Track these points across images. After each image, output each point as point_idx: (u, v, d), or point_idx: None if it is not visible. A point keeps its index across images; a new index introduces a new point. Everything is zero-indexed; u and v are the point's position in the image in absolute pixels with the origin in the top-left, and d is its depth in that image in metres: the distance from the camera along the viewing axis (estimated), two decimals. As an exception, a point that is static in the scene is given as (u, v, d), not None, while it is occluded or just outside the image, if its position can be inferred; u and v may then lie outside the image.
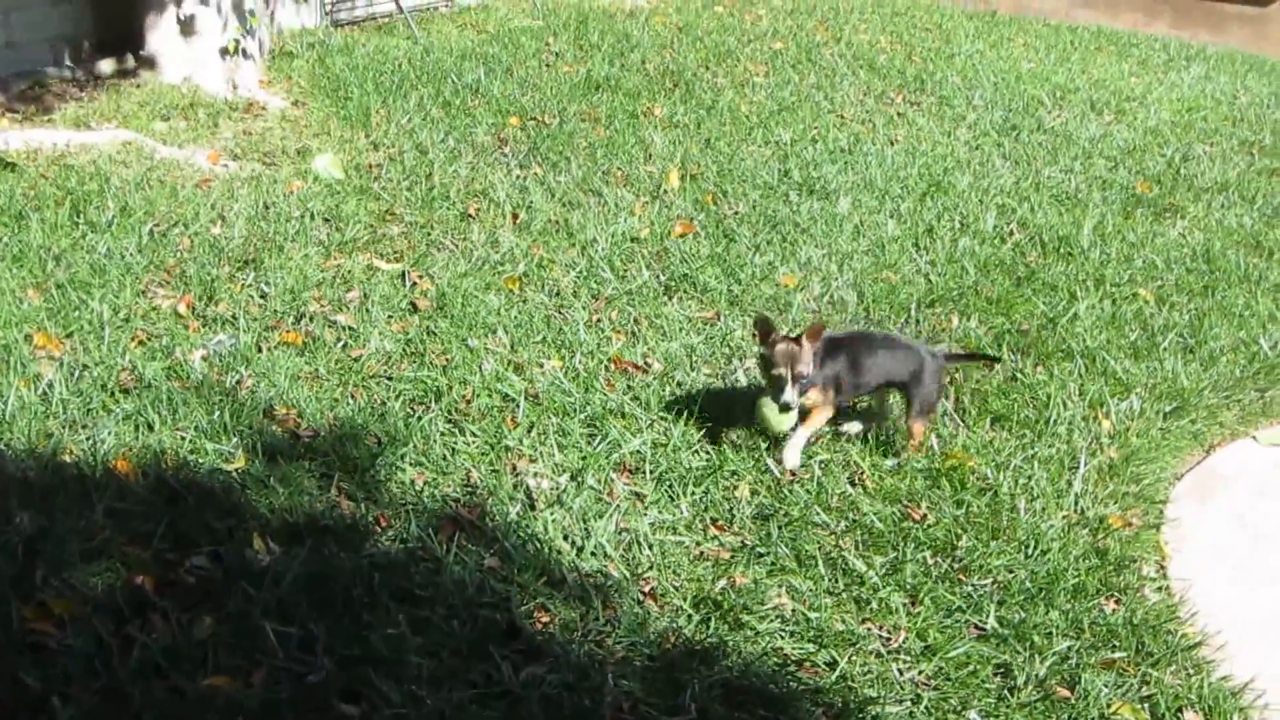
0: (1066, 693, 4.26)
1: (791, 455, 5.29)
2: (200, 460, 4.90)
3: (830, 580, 4.63)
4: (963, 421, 5.78)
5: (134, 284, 6.35)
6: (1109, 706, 4.21)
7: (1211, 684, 4.41)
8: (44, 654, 3.84)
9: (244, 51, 10.14)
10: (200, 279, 6.48)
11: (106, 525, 4.43)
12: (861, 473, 5.29)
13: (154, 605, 4.06)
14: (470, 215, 7.68)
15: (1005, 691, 4.23)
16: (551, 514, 4.78)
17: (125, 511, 4.52)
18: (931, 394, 5.48)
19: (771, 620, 4.38)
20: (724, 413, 5.54)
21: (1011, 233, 8.11)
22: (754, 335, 5.34)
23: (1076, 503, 5.30)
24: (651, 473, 5.11)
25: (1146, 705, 4.27)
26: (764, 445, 5.34)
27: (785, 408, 5.09)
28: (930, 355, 5.50)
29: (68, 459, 4.85)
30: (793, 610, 4.45)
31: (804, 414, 5.28)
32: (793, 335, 5.10)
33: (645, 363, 6.00)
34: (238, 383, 5.49)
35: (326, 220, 7.42)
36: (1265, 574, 5.21)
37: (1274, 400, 6.42)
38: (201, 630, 3.97)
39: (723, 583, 4.54)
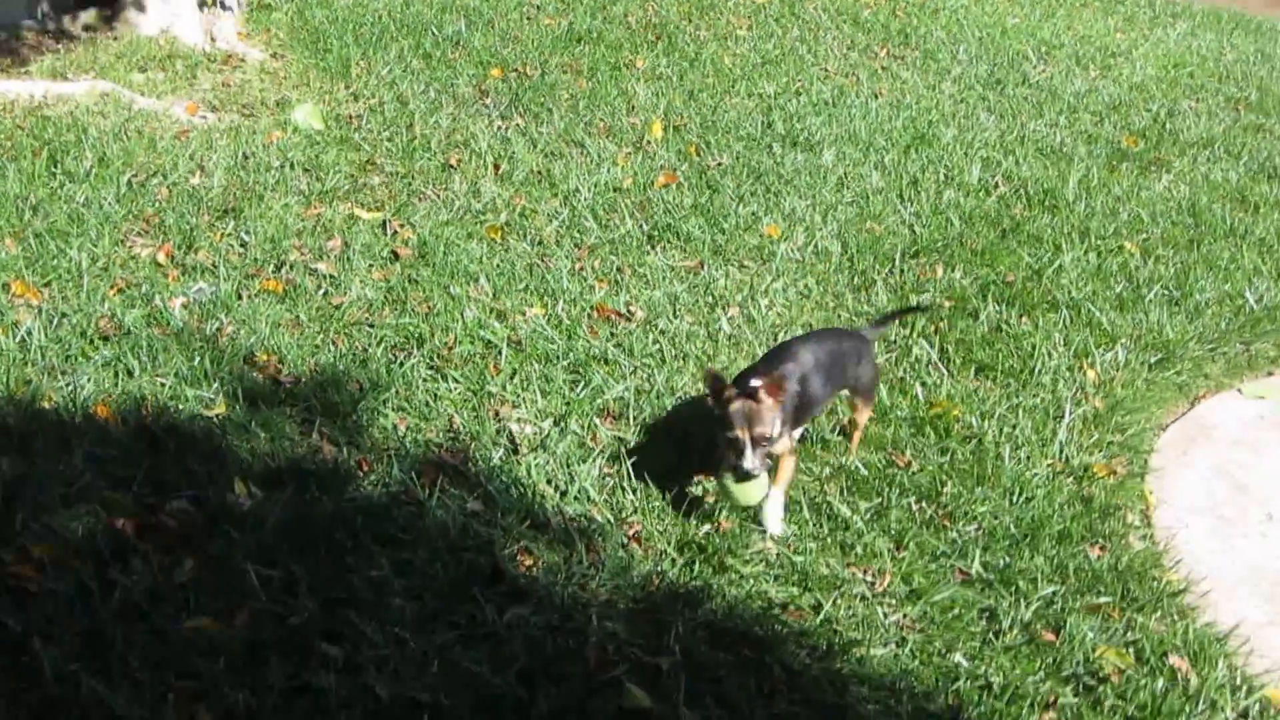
0: (1051, 636, 4.26)
1: (774, 523, 4.59)
2: (181, 406, 4.86)
3: (815, 525, 4.63)
4: (947, 370, 5.76)
5: (112, 233, 6.28)
6: (1094, 650, 4.22)
7: (1196, 630, 4.42)
8: (25, 597, 3.81)
9: (221, 3, 10.03)
10: (179, 228, 6.42)
11: (86, 470, 4.39)
12: (846, 420, 5.27)
13: (135, 549, 4.03)
14: (451, 165, 7.62)
15: (990, 635, 4.23)
16: (535, 459, 4.75)
17: (105, 456, 4.49)
18: (872, 380, 5.12)
19: (756, 564, 4.37)
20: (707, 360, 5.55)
21: (996, 185, 8.07)
22: (706, 390, 4.50)
23: (1061, 451, 5.30)
24: (635, 418, 5.08)
25: (1131, 649, 4.28)
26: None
27: (745, 476, 4.36)
28: (864, 341, 5.11)
29: (47, 405, 4.82)
30: (777, 554, 4.44)
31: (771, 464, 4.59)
32: (750, 390, 4.38)
33: (628, 311, 5.97)
34: (218, 330, 5.44)
35: (306, 170, 7.35)
36: (1247, 524, 5.22)
37: (1259, 353, 6.42)
38: (183, 573, 3.94)
39: (707, 527, 4.53)
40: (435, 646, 3.75)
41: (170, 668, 3.58)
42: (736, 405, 4.33)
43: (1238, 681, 4.23)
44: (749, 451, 4.31)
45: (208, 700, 3.50)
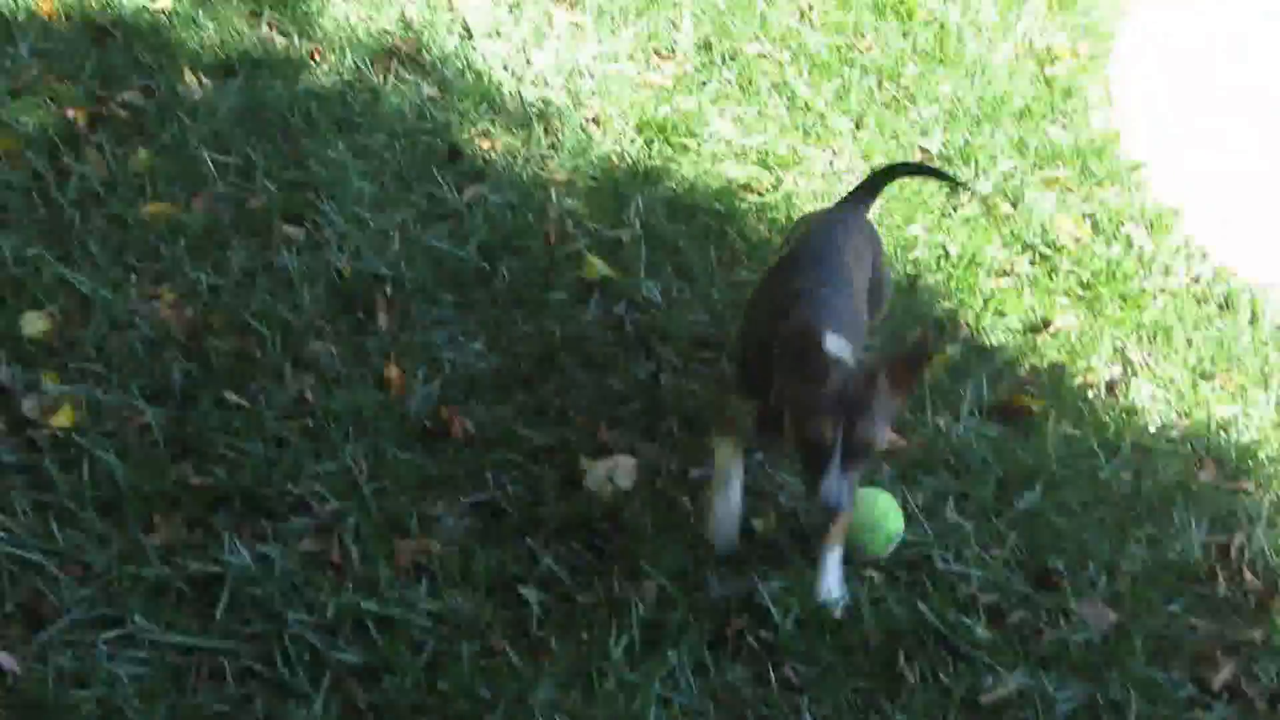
0: (1010, 208, 4.30)
1: (834, 585, 2.84)
2: (124, 1, 4.72)
3: (775, 108, 4.59)
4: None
5: None
6: (1051, 220, 4.27)
7: (1153, 203, 4.49)
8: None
9: None
10: None
11: (33, 64, 4.28)
12: (810, 7, 5.17)
13: (88, 139, 3.97)
14: None
15: (949, 210, 4.27)
16: (490, 44, 4.66)
17: (52, 51, 4.36)
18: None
19: (716, 143, 4.36)
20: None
21: None
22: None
23: (1025, 35, 5.24)
24: (591, 5, 4.97)
25: (1089, 220, 4.34)
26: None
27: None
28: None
29: (-14, 4, 4.67)
30: (739, 138, 4.42)
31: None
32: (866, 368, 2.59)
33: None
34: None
35: None
36: (1209, 109, 5.25)
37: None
38: (138, 161, 3.89)
39: (666, 109, 4.48)
40: (395, 224, 3.76)
41: (131, 250, 3.58)
42: (836, 383, 2.52)
43: (1191, 250, 4.32)
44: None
45: (171, 281, 3.52)
